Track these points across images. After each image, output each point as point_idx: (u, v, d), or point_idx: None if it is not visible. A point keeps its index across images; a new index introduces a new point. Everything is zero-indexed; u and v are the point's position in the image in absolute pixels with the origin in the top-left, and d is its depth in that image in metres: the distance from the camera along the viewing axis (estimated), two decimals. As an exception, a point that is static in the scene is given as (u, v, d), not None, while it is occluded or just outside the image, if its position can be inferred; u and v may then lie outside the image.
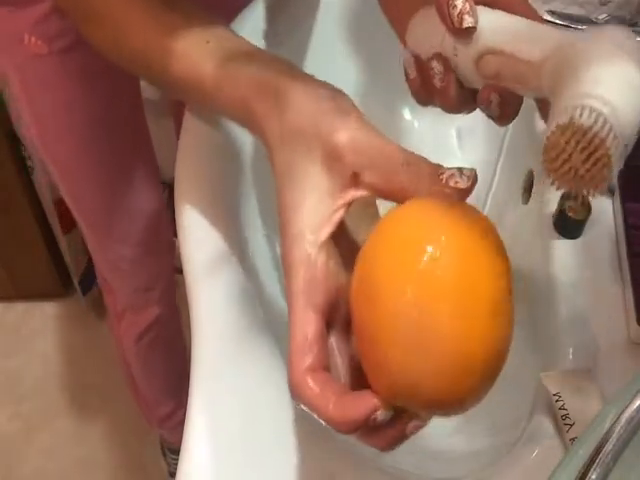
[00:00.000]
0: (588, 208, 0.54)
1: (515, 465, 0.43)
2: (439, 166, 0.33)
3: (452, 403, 0.33)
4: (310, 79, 0.38)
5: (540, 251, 0.55)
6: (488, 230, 0.33)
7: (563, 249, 0.54)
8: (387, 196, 0.34)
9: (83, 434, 1.27)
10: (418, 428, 0.33)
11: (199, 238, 0.51)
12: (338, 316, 0.35)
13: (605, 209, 0.56)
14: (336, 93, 0.37)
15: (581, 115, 0.27)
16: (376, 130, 0.35)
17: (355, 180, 0.34)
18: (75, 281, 1.34)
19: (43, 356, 1.36)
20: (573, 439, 0.42)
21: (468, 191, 0.33)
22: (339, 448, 0.43)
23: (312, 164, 0.35)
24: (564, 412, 0.43)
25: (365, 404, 0.32)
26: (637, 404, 0.30)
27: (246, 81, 0.39)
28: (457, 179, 0.33)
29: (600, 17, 0.47)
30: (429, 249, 0.30)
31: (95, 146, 0.72)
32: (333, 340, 0.35)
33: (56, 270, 1.35)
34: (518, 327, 0.59)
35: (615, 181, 0.56)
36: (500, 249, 0.33)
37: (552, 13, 0.48)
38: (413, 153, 0.34)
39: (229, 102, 0.40)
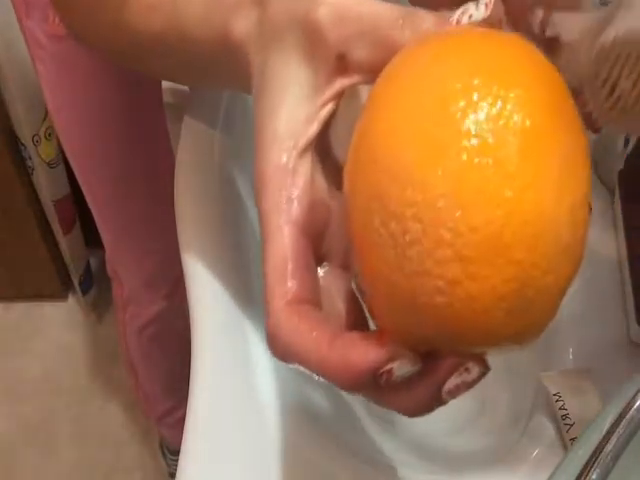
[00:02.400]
0: (588, 208, 0.54)
1: (515, 465, 0.43)
2: (444, 13, 0.25)
3: (515, 329, 0.21)
4: None
5: (540, 251, 0.55)
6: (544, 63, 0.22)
7: (563, 249, 0.54)
8: None
9: (83, 434, 1.27)
10: (464, 380, 0.22)
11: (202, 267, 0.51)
12: (331, 251, 0.27)
13: (605, 209, 0.56)
14: None
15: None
16: None
17: (342, 64, 0.27)
18: (75, 281, 1.34)
19: (43, 356, 1.36)
20: (573, 439, 0.42)
21: (490, 22, 0.24)
22: (339, 448, 0.43)
23: (289, 55, 0.27)
24: (564, 412, 0.43)
25: (377, 347, 0.22)
26: (637, 404, 0.30)
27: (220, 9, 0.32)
28: (472, 12, 0.24)
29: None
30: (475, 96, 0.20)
31: (110, 131, 0.73)
32: (325, 278, 0.27)
33: (56, 270, 1.35)
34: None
35: (615, 181, 0.56)
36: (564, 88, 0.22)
37: (552, 13, 0.48)
38: (408, 6, 0.26)
39: (204, 40, 0.33)
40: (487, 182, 0.19)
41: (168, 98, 1.05)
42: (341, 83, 0.27)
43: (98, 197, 0.81)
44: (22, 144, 1.14)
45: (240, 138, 0.59)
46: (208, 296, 0.49)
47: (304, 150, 0.27)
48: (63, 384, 1.33)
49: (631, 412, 0.30)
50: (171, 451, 1.18)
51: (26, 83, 1.00)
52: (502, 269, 0.20)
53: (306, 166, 0.27)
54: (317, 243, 0.27)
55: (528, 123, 0.20)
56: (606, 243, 0.54)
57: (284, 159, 0.26)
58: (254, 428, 0.43)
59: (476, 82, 0.20)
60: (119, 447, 1.25)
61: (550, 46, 0.28)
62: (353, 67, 0.27)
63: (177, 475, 0.41)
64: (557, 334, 0.49)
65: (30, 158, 1.15)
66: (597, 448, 0.30)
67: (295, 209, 0.26)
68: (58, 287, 1.39)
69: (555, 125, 0.21)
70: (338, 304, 0.27)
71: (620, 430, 0.30)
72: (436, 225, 0.20)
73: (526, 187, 0.20)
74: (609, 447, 0.29)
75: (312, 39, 0.27)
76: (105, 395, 1.31)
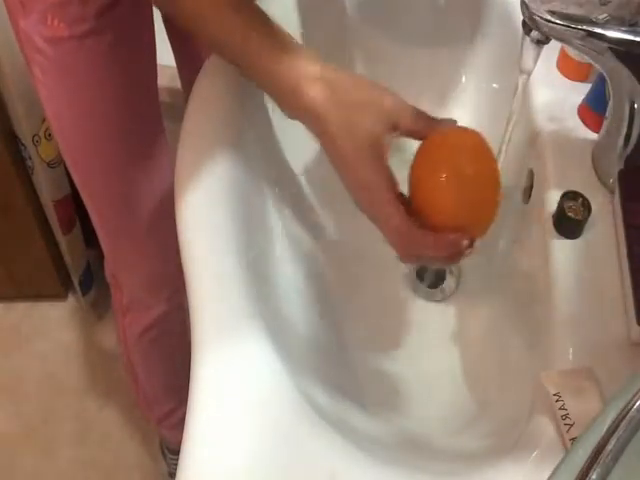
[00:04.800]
0: (588, 208, 0.54)
1: (515, 465, 0.43)
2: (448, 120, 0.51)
3: (482, 227, 0.51)
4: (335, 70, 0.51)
5: (540, 251, 0.55)
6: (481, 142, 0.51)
7: (563, 249, 0.54)
8: (414, 137, 0.51)
9: (83, 434, 1.27)
10: (468, 245, 0.49)
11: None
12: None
13: (605, 209, 0.56)
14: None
15: None
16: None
17: (395, 127, 0.50)
18: (75, 281, 1.34)
19: (43, 356, 1.36)
20: (573, 439, 0.42)
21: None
22: (341, 447, 0.43)
23: (363, 124, 0.49)
24: (564, 412, 0.43)
25: (456, 237, 0.49)
26: (637, 404, 0.30)
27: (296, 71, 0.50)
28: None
29: (600, 17, 0.47)
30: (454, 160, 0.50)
31: (109, 134, 0.72)
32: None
33: (56, 270, 1.35)
34: (518, 327, 0.60)
35: (615, 181, 0.56)
36: (488, 151, 0.51)
37: (552, 13, 0.48)
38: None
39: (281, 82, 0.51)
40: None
41: (167, 98, 1.05)
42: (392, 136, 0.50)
43: (98, 204, 0.80)
44: (22, 144, 1.14)
45: (239, 136, 0.59)
46: (209, 297, 0.49)
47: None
48: (63, 384, 1.33)
49: (631, 412, 0.30)
50: (171, 451, 1.18)
51: (26, 84, 1.00)
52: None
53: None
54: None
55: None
56: (606, 243, 0.54)
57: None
58: (254, 428, 0.43)
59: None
60: (119, 447, 1.25)
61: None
62: (400, 130, 0.50)
63: (177, 475, 0.41)
64: (557, 334, 0.50)
65: (30, 158, 1.15)
66: (597, 448, 0.30)
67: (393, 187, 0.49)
68: (58, 287, 1.39)
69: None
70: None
71: (620, 430, 0.30)
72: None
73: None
74: (609, 447, 0.30)
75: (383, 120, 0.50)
76: (105, 395, 1.31)
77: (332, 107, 0.49)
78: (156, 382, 1.02)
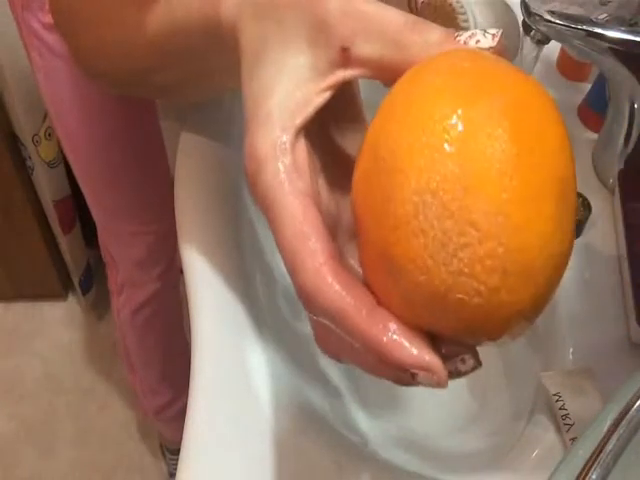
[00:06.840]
0: (588, 208, 0.54)
1: (515, 465, 0.43)
2: (453, 30, 0.27)
3: (502, 322, 0.25)
4: None
5: (540, 251, 0.55)
6: (539, 90, 0.24)
7: (563, 249, 0.54)
8: (385, 73, 0.27)
9: (82, 434, 1.27)
10: (458, 369, 0.25)
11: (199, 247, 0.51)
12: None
13: (605, 209, 0.56)
14: None
15: None
16: None
17: (345, 56, 0.27)
18: (75, 281, 1.34)
19: (43, 356, 1.36)
20: (573, 439, 0.42)
21: (496, 53, 0.26)
22: (340, 447, 0.43)
23: (290, 37, 0.28)
24: (564, 412, 0.43)
25: (418, 342, 0.24)
26: (637, 404, 0.30)
27: None
28: (479, 38, 0.26)
29: (600, 17, 0.47)
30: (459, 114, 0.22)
31: (108, 120, 0.74)
32: None
33: (56, 270, 1.35)
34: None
35: (615, 181, 0.56)
36: (556, 113, 0.24)
37: (552, 13, 0.48)
38: (419, 17, 0.27)
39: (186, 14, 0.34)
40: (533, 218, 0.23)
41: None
42: (342, 74, 0.28)
43: (95, 188, 0.81)
44: (22, 144, 1.14)
45: (240, 138, 0.59)
46: (208, 296, 0.49)
47: (300, 129, 0.27)
48: (63, 384, 1.33)
49: (631, 412, 0.30)
50: (171, 451, 1.18)
51: (26, 84, 1.00)
52: (529, 288, 0.24)
53: (303, 143, 0.27)
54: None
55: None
56: (606, 243, 0.54)
57: (282, 136, 0.27)
58: (254, 429, 0.43)
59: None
60: (119, 447, 1.25)
61: None
62: (355, 62, 0.27)
63: (177, 475, 0.41)
64: (557, 334, 0.49)
65: (30, 158, 1.15)
66: (597, 448, 0.30)
67: (300, 182, 0.26)
68: (58, 287, 1.39)
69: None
70: None
71: (620, 430, 0.30)
72: (492, 238, 0.22)
73: (550, 234, 0.23)
74: (609, 447, 0.29)
75: (318, 27, 0.27)
76: (105, 395, 1.31)
77: (248, 19, 0.29)
78: (152, 368, 1.02)
